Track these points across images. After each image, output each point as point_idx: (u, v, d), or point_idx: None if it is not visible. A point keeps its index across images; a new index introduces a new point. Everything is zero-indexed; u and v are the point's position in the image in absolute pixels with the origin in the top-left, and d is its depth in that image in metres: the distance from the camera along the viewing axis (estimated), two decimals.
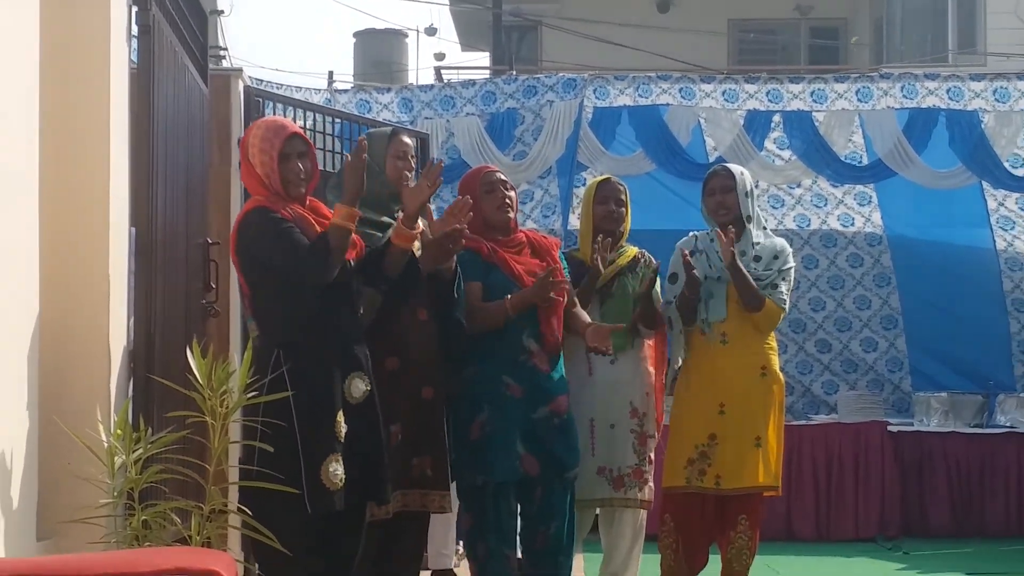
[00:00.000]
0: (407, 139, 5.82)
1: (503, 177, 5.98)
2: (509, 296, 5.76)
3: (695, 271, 6.14)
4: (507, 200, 5.91)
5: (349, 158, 5.22)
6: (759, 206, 6.47)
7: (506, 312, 5.74)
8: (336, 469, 5.01)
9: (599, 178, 6.76)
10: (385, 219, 5.61)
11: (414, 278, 5.47)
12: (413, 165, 5.80)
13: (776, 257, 6.29)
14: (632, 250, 6.49)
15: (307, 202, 5.27)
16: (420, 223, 5.50)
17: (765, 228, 6.43)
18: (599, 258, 6.20)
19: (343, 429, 5.07)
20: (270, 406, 4.90)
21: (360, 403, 5.16)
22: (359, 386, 5.16)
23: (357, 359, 5.18)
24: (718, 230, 6.19)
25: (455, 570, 7.89)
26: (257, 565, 5.09)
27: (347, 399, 5.13)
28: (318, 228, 5.13)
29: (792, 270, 6.34)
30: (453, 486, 5.81)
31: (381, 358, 5.46)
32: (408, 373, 5.59)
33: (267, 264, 5.12)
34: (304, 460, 4.97)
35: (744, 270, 6.15)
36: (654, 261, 6.49)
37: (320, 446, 5.01)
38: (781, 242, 6.41)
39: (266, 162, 5.17)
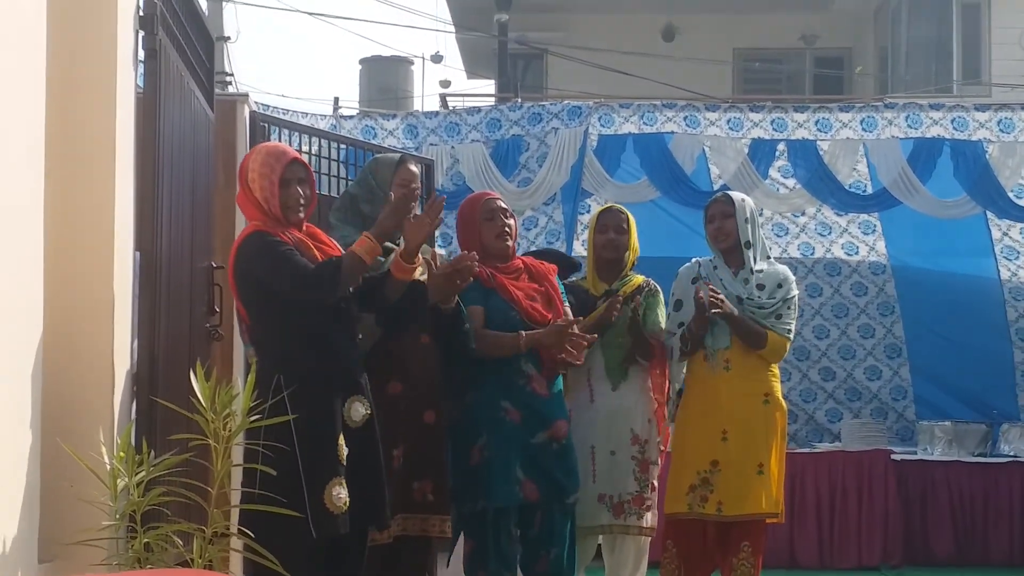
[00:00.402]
0: (413, 168, 5.81)
1: (503, 205, 6.00)
2: (524, 333, 5.77)
3: (715, 311, 6.12)
4: (506, 229, 5.93)
5: (394, 198, 5.21)
6: (763, 234, 6.47)
7: (519, 348, 5.77)
8: (339, 492, 5.01)
9: (602, 207, 6.80)
10: (387, 244, 5.62)
11: (419, 305, 5.46)
12: (418, 194, 5.81)
13: (780, 286, 6.29)
14: (637, 278, 6.50)
15: (304, 227, 5.27)
16: (419, 257, 5.47)
17: (769, 257, 6.44)
18: (613, 312, 6.18)
19: (345, 452, 5.06)
20: (271, 430, 4.89)
21: (360, 427, 5.16)
22: (359, 410, 5.16)
23: (357, 383, 5.18)
24: (698, 285, 6.19)
25: None
26: None
27: (347, 423, 5.12)
28: (316, 253, 5.13)
29: (796, 298, 6.35)
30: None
31: (383, 382, 5.46)
32: (410, 397, 5.59)
33: (267, 287, 5.11)
34: (307, 484, 4.96)
35: (736, 315, 6.15)
36: (659, 289, 6.49)
37: (323, 470, 5.00)
38: (784, 270, 6.42)
39: (266, 187, 5.17)
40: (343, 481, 5.03)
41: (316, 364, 5.07)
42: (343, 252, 5.16)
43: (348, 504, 5.03)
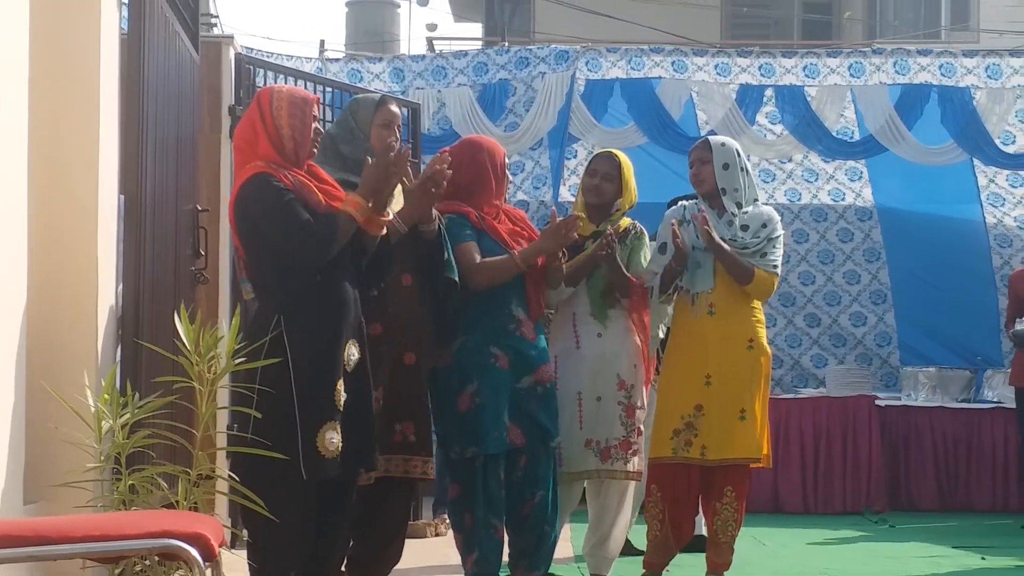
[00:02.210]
0: (395, 108, 5.77)
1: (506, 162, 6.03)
2: (518, 250, 5.77)
3: (680, 241, 6.13)
4: (510, 181, 5.99)
5: (383, 157, 5.20)
6: (749, 180, 6.42)
7: (517, 265, 5.75)
8: (332, 437, 5.01)
9: (600, 150, 6.82)
10: (350, 178, 5.56)
11: (386, 261, 5.44)
12: (399, 135, 5.77)
13: (764, 225, 6.29)
14: (625, 221, 6.49)
15: (306, 167, 5.25)
16: (389, 211, 5.39)
17: (756, 200, 6.42)
18: (602, 250, 6.16)
19: (342, 397, 5.07)
20: (267, 372, 4.90)
21: (353, 370, 5.17)
22: (353, 353, 5.16)
23: (353, 326, 5.19)
24: (694, 213, 6.20)
25: (440, 538, 7.93)
26: (246, 531, 5.10)
27: (344, 366, 5.12)
28: (319, 194, 5.11)
29: (781, 238, 6.33)
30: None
31: (364, 324, 5.45)
32: (391, 338, 5.57)
33: (265, 235, 5.10)
34: (301, 427, 4.96)
35: (725, 248, 6.14)
36: (645, 232, 6.49)
37: (318, 413, 5.00)
38: (768, 210, 6.41)
39: (296, 116, 5.14)
40: (337, 426, 5.04)
41: (317, 306, 5.06)
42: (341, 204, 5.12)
43: (340, 448, 5.04)
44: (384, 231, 5.28)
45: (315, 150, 5.23)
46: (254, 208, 5.07)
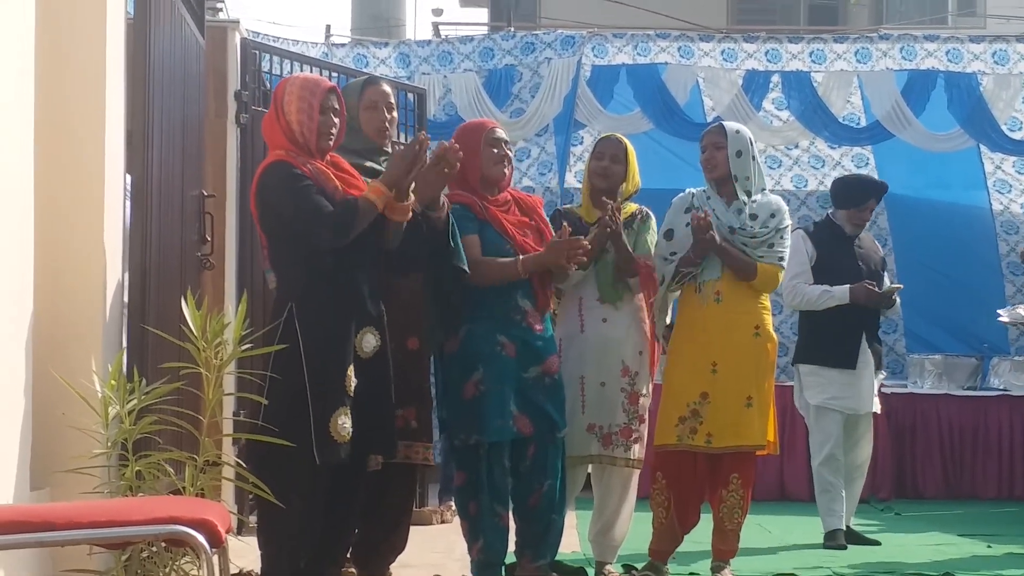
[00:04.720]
0: (383, 87, 5.70)
1: (505, 136, 5.97)
2: (522, 257, 5.75)
3: (713, 233, 6.11)
4: (507, 158, 5.92)
5: (402, 147, 5.17)
6: (759, 168, 6.41)
7: (518, 273, 5.74)
8: (344, 422, 5.03)
9: (604, 135, 6.79)
10: (369, 164, 5.54)
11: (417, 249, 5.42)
12: (392, 115, 5.68)
13: (773, 215, 6.28)
14: (631, 206, 6.48)
15: (329, 157, 5.23)
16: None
17: (764, 189, 6.41)
18: (607, 227, 6.13)
19: (353, 384, 5.07)
20: (280, 358, 4.92)
21: (371, 358, 5.16)
22: (370, 341, 5.17)
23: (370, 314, 5.18)
24: (694, 212, 6.18)
25: (445, 525, 7.92)
26: (257, 515, 5.10)
27: (358, 353, 5.12)
28: (337, 182, 5.11)
29: (789, 228, 6.33)
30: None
31: (384, 312, 5.44)
32: (394, 324, 5.56)
33: (282, 219, 5.10)
34: (313, 412, 4.98)
35: (727, 248, 6.14)
36: (652, 216, 6.47)
37: (330, 399, 5.03)
38: (777, 199, 6.39)
39: (304, 110, 5.11)
40: (348, 411, 5.05)
41: (330, 294, 5.07)
42: (361, 193, 5.11)
43: (351, 434, 5.05)
44: (408, 216, 5.25)
45: (332, 136, 5.18)
46: (270, 193, 5.09)
